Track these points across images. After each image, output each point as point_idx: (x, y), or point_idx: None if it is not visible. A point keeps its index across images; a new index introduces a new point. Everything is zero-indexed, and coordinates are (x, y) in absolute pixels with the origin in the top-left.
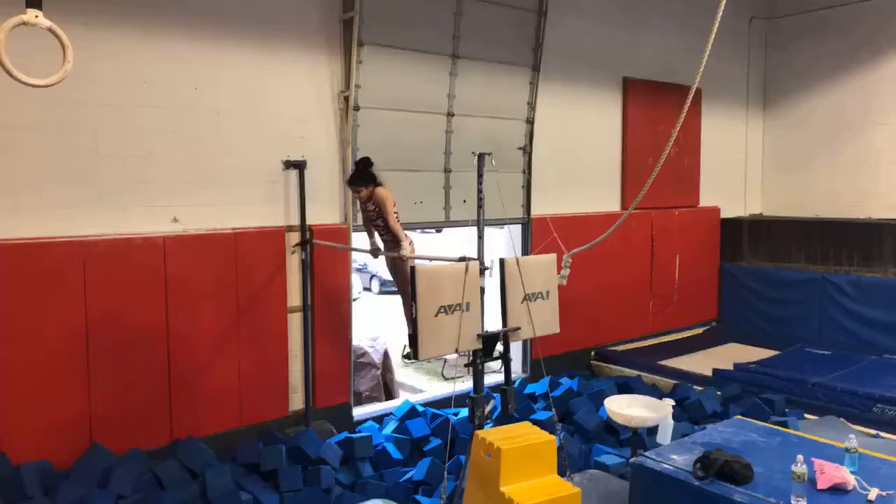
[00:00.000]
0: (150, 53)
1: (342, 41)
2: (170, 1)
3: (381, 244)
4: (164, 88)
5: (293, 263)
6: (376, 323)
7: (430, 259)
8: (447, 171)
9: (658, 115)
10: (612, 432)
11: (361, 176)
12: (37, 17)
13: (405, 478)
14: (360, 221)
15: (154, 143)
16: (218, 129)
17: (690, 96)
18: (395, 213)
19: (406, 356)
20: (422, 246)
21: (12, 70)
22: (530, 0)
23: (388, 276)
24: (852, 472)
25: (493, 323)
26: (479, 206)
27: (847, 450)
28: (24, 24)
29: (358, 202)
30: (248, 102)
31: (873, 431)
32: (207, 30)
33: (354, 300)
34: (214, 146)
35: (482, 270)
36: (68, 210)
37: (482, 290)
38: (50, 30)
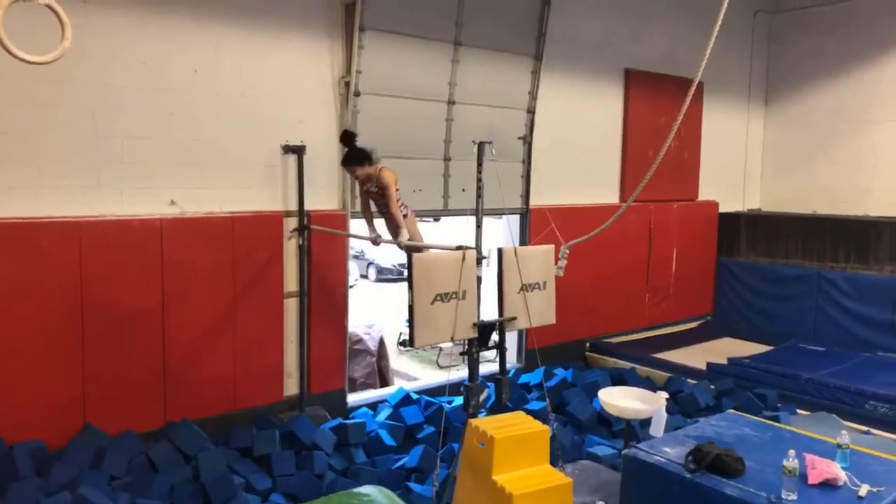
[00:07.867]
0: (149, 34)
1: (344, 26)
2: None
3: (382, 231)
4: (164, 70)
5: (290, 249)
6: (372, 310)
7: (428, 247)
8: (447, 159)
9: (659, 108)
10: (605, 423)
11: (355, 155)
12: None
13: (398, 465)
14: (358, 208)
15: (152, 125)
16: (217, 111)
17: (692, 90)
18: (397, 195)
19: (402, 344)
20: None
21: (10, 46)
22: None
23: (384, 264)
24: (843, 469)
25: (489, 312)
26: (479, 196)
27: (839, 446)
28: (22, 0)
29: (357, 185)
30: (248, 86)
31: (865, 428)
32: (209, 11)
33: (351, 287)
34: (213, 129)
35: (479, 260)
36: (66, 190)
37: (479, 280)
38: (48, 6)
